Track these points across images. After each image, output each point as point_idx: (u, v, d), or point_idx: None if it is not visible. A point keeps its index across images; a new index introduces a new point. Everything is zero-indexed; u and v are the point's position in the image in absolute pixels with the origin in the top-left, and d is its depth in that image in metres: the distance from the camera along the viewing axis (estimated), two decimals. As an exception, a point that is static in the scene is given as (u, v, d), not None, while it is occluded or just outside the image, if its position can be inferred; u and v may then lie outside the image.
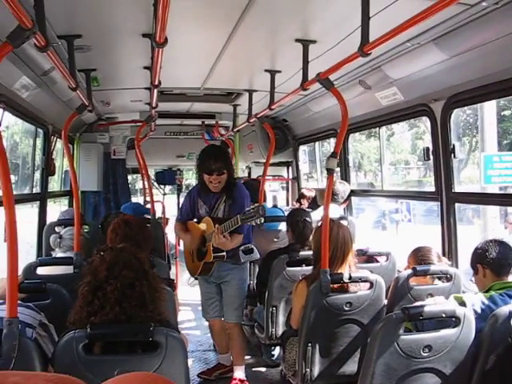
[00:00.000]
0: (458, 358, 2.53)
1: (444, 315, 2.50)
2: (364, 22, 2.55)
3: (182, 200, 9.77)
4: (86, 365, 2.09)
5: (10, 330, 2.08)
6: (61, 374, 2.06)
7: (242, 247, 4.45)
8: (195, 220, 4.59)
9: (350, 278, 3.28)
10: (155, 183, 8.69)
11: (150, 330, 2.10)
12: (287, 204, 7.62)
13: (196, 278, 4.80)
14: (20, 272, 3.42)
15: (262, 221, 3.91)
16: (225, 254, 4.29)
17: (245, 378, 4.48)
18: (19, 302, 2.28)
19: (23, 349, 2.12)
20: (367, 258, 4.35)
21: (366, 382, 2.49)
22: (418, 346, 2.45)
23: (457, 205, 3.89)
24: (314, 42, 3.42)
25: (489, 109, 11.02)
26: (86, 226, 5.18)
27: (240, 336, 4.59)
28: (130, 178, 14.86)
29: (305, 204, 5.71)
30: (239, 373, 4.50)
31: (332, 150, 3.47)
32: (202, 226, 4.43)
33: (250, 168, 8.31)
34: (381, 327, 2.45)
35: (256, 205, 3.98)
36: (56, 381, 0.44)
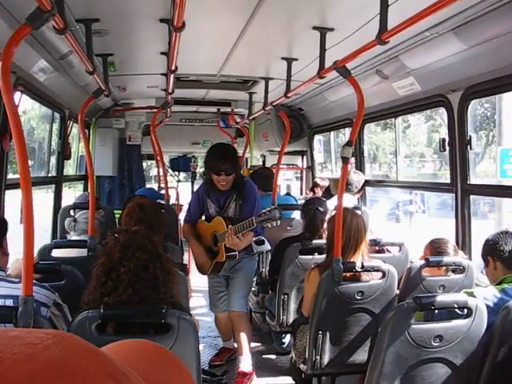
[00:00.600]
0: (469, 349, 2.52)
1: (456, 305, 2.49)
2: (383, 10, 2.53)
3: (196, 187, 9.87)
4: (99, 345, 2.06)
5: (25, 308, 2.11)
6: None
7: (254, 238, 4.45)
8: (204, 218, 4.60)
9: (363, 266, 3.28)
10: (170, 170, 8.72)
11: (162, 312, 2.12)
12: (301, 193, 7.61)
13: None
14: (35, 254, 3.46)
15: (279, 223, 3.92)
16: (237, 253, 4.29)
17: (249, 370, 4.40)
18: (34, 281, 2.31)
19: (37, 327, 2.15)
20: (380, 248, 4.35)
21: (376, 370, 2.49)
22: (428, 335, 2.45)
23: (472, 199, 3.86)
24: (331, 29, 3.41)
25: (507, 102, 10.90)
26: (101, 211, 5.21)
27: (246, 326, 4.54)
28: (144, 164, 14.99)
29: (318, 193, 5.71)
30: (244, 364, 4.42)
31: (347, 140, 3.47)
32: (214, 224, 4.41)
33: (264, 156, 8.31)
34: (392, 316, 2.45)
35: (272, 207, 3.97)
36: (54, 334, 0.45)
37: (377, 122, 5.99)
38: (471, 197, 3.84)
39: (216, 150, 4.42)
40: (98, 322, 2.11)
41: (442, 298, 2.50)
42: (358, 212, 4.40)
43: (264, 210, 3.89)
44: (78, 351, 0.46)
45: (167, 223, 3.69)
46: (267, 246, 4.56)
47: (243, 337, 4.46)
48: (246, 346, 4.45)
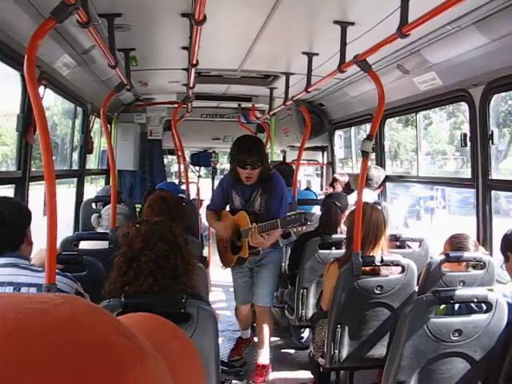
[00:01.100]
0: (489, 344, 2.51)
1: (476, 300, 2.48)
2: (403, 2, 2.52)
3: (216, 183, 9.91)
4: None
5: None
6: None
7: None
8: (228, 209, 4.51)
9: (382, 261, 3.28)
10: (190, 165, 8.78)
11: (182, 302, 2.15)
12: (321, 189, 7.61)
13: None
14: (58, 246, 3.52)
15: (304, 229, 3.88)
16: (260, 249, 4.20)
17: (268, 363, 4.47)
18: (57, 270, 2.36)
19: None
20: (401, 244, 4.33)
21: (395, 364, 2.49)
22: (447, 329, 2.45)
23: (494, 196, 3.83)
24: (352, 23, 3.40)
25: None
26: (123, 204, 5.27)
27: (269, 320, 4.52)
28: (165, 160, 15.08)
29: (338, 188, 5.70)
30: (263, 357, 4.47)
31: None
32: (237, 219, 4.30)
33: (284, 152, 8.31)
34: (411, 309, 2.45)
35: (299, 211, 3.82)
36: (64, 295, 0.48)
37: (398, 117, 5.95)
38: (493, 193, 3.81)
39: (241, 142, 4.28)
40: (119, 310, 2.15)
41: (462, 291, 2.49)
42: (378, 207, 4.41)
43: (291, 213, 3.77)
44: (87, 309, 0.48)
45: (187, 216, 3.72)
46: (293, 237, 4.53)
47: (266, 331, 4.47)
48: (267, 340, 4.48)
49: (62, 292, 2.32)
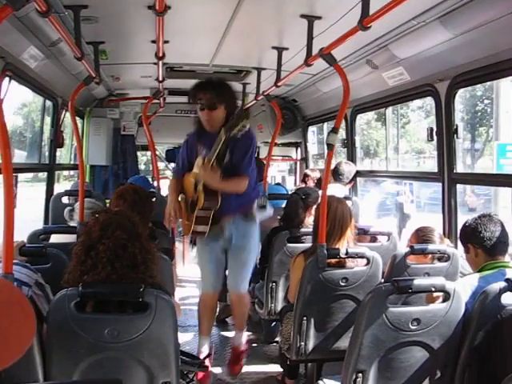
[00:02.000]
0: (447, 332, 2.54)
1: (433, 289, 2.51)
2: (365, -5, 2.55)
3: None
4: (78, 322, 2.14)
5: (4, 286, 2.14)
6: (53, 331, 2.12)
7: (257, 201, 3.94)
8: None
9: (347, 253, 3.30)
10: (165, 161, 8.75)
11: (139, 291, 2.15)
12: (294, 184, 7.64)
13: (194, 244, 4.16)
14: (25, 239, 3.50)
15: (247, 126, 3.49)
16: (219, 199, 3.66)
17: (245, 348, 4.26)
18: (16, 261, 2.34)
19: (17, 306, 2.18)
20: (371, 238, 4.38)
21: (354, 353, 2.52)
22: (406, 318, 2.47)
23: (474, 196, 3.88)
24: (319, 17, 3.43)
25: (504, 97, 10.94)
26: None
27: (246, 305, 4.17)
28: (144, 158, 14.95)
29: (310, 184, 5.73)
30: (239, 341, 4.22)
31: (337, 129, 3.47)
32: (194, 172, 3.81)
33: (258, 148, 8.32)
34: (369, 298, 2.48)
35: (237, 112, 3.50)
36: None
37: (377, 115, 6.01)
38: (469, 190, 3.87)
39: (200, 81, 3.89)
40: (76, 299, 2.14)
41: (420, 281, 2.52)
42: (349, 202, 4.45)
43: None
44: None
45: (157, 210, 3.69)
46: (269, 212, 4.16)
47: (243, 314, 4.19)
48: (244, 324, 4.23)
49: (20, 282, 2.31)
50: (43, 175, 5.44)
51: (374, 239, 4.42)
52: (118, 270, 2.15)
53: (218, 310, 4.50)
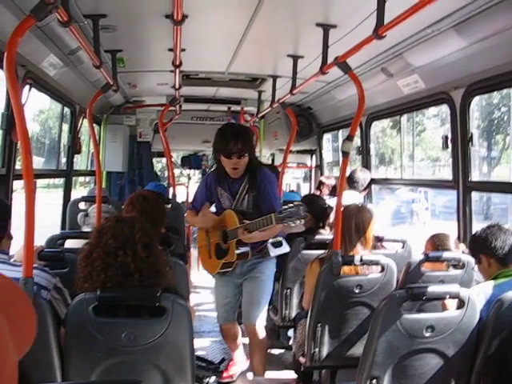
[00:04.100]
0: (461, 340, 2.54)
1: (448, 296, 2.52)
2: (380, 4, 2.57)
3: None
4: (95, 326, 2.18)
5: (25, 290, 2.18)
6: (71, 334, 2.16)
7: (271, 240, 3.85)
8: (213, 210, 4.08)
9: (362, 260, 3.31)
10: (180, 168, 8.82)
11: (157, 296, 2.18)
12: (309, 192, 7.65)
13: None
14: (43, 244, 3.56)
15: (302, 223, 3.50)
16: (249, 250, 3.79)
17: None
18: (35, 265, 2.39)
19: (37, 309, 2.22)
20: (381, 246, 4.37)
21: (369, 359, 2.53)
22: (420, 325, 2.48)
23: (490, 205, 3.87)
24: (334, 26, 3.45)
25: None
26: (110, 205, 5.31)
27: (263, 343, 4.06)
28: (159, 165, 15.04)
29: (325, 191, 5.74)
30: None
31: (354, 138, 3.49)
32: (223, 219, 3.89)
33: (273, 155, 8.35)
34: (384, 305, 2.49)
35: (296, 203, 3.42)
36: None
37: (392, 123, 6.02)
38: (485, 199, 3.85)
39: (226, 128, 3.92)
40: (94, 303, 2.18)
41: (434, 288, 2.53)
42: (366, 207, 4.45)
43: (286, 206, 3.38)
44: None
45: (165, 215, 3.69)
46: (286, 248, 3.96)
47: (259, 355, 4.07)
48: (264, 365, 4.10)
49: (39, 286, 2.35)
50: (59, 181, 5.50)
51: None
52: (112, 279, 2.18)
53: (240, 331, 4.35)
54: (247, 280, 3.96)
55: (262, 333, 4.00)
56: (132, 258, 2.23)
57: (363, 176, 5.30)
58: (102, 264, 2.18)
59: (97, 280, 2.17)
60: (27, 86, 3.57)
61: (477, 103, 3.98)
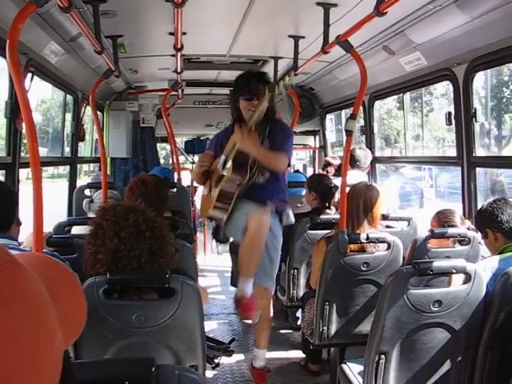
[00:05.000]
0: (468, 314, 2.56)
1: (454, 270, 2.54)
2: (380, -19, 2.57)
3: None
4: (106, 308, 2.21)
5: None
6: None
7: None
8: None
9: (368, 238, 3.33)
10: (184, 152, 8.83)
11: (166, 277, 2.20)
12: (313, 172, 7.66)
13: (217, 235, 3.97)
14: (51, 230, 3.59)
15: None
16: (248, 170, 3.52)
17: (265, 367, 3.99)
18: (45, 251, 2.42)
19: (48, 293, 2.25)
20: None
21: (377, 335, 2.55)
22: (427, 300, 2.50)
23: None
24: (334, 5, 3.44)
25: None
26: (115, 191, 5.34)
27: (269, 310, 3.92)
28: (164, 152, 15.02)
29: (331, 171, 5.75)
30: (259, 360, 3.98)
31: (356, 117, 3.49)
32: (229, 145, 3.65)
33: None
34: (391, 280, 2.51)
35: None
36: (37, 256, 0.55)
37: (398, 104, 6.00)
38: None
39: (245, 73, 3.86)
40: (105, 286, 2.21)
41: (441, 263, 2.55)
42: (374, 185, 4.46)
43: None
44: None
45: (168, 199, 3.66)
46: (291, 219, 3.89)
47: (264, 327, 3.93)
48: (267, 338, 3.98)
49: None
50: (63, 170, 5.51)
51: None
52: (125, 241, 2.17)
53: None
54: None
55: (269, 296, 3.86)
56: (143, 218, 2.23)
57: (363, 153, 5.28)
58: (113, 227, 2.18)
59: (110, 244, 2.16)
60: (29, 74, 3.58)
61: (485, 80, 3.97)
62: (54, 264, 0.73)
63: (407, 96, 5.30)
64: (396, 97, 5.70)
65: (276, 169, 3.68)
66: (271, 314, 4.01)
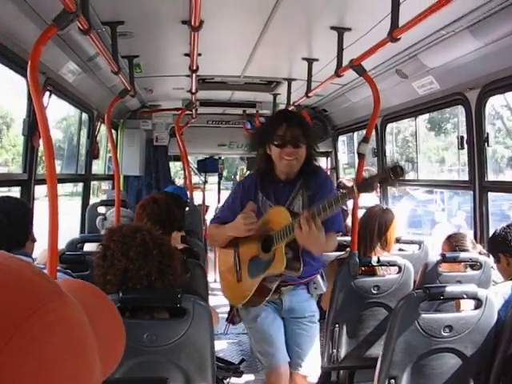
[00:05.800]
0: (479, 340, 2.55)
1: (465, 296, 2.53)
2: (394, 7, 2.60)
3: (223, 189, 9.92)
4: (118, 327, 2.22)
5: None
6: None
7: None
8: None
9: (379, 261, 3.34)
10: (196, 171, 8.88)
11: (177, 297, 2.22)
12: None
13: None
14: (64, 247, 3.63)
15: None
16: (301, 265, 2.77)
17: None
18: (58, 268, 2.45)
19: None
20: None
21: (387, 359, 2.55)
22: (438, 325, 2.50)
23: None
24: (348, 29, 3.48)
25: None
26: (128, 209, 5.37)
27: None
28: (173, 171, 15.09)
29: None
30: None
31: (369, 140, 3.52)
32: (266, 221, 2.89)
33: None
34: (402, 305, 2.51)
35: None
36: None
37: (398, 121, 6.01)
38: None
39: (279, 113, 3.31)
40: (117, 305, 2.22)
41: (452, 288, 2.54)
42: (389, 209, 4.45)
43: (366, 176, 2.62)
44: (8, 256, 0.58)
45: (181, 220, 3.67)
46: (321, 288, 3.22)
47: None
48: None
49: (62, 288, 2.40)
50: (75, 189, 5.56)
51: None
52: (133, 260, 2.19)
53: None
54: (297, 318, 3.12)
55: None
56: (150, 237, 2.26)
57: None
58: (121, 248, 2.21)
59: (118, 264, 2.19)
60: (47, 93, 3.64)
61: (501, 104, 3.97)
62: (96, 293, 0.73)
63: (419, 120, 5.32)
64: (426, 117, 5.67)
65: (322, 252, 3.14)
66: None
